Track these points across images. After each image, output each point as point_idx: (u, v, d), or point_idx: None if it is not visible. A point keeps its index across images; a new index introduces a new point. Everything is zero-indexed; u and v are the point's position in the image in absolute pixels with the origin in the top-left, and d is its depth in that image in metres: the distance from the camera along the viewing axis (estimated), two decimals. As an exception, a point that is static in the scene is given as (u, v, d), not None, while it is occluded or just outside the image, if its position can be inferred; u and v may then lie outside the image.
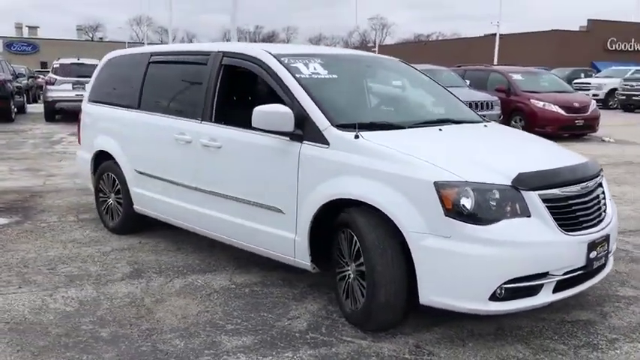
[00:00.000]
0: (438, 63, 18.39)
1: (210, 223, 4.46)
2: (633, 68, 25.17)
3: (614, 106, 23.46)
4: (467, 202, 3.08)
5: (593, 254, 3.36)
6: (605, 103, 23.57)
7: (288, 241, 3.86)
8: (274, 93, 4.11)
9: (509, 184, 3.17)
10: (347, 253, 3.56)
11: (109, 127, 5.50)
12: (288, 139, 3.80)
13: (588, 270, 3.40)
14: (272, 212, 3.94)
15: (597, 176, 3.70)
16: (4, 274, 4.40)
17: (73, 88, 15.49)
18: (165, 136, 4.74)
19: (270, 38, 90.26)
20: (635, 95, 21.94)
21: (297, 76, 3.97)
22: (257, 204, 4.03)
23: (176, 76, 4.95)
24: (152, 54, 5.19)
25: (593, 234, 3.37)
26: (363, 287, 3.39)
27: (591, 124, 13.72)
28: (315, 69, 4.13)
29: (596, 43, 49.81)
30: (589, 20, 51.19)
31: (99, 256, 4.87)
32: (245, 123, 4.20)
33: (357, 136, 3.52)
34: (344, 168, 3.50)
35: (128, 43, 63.30)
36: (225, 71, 4.44)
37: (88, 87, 6.06)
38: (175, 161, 4.69)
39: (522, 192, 3.17)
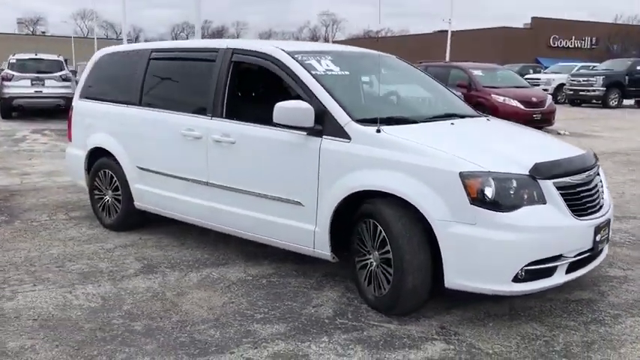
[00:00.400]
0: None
1: (222, 217, 4.54)
2: (579, 64, 26.31)
3: (562, 100, 24.44)
4: (490, 191, 3.30)
5: (598, 237, 3.64)
6: (554, 97, 24.50)
7: (308, 232, 3.99)
8: (288, 89, 4.23)
9: (527, 173, 3.40)
10: (369, 242, 3.72)
11: (106, 124, 5.48)
12: (305, 134, 3.93)
13: (594, 252, 3.69)
14: (291, 205, 4.06)
15: (596, 165, 3.99)
16: (13, 273, 4.36)
17: (32, 85, 15.07)
18: (171, 133, 4.79)
19: (220, 33, 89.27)
20: (581, 90, 22.95)
21: (313, 72, 4.10)
22: (275, 198, 4.14)
23: (181, 73, 4.99)
24: (153, 50, 5.21)
25: (598, 219, 3.66)
26: (388, 274, 3.57)
27: (548, 117, 14.33)
28: (327, 66, 4.27)
29: (540, 39, 51.69)
30: (533, 18, 53.03)
31: (104, 252, 4.87)
32: (258, 118, 4.31)
33: (378, 131, 3.69)
34: (367, 161, 3.66)
35: (74, 37, 61.48)
36: (235, 68, 4.52)
37: (79, 83, 6.00)
38: (183, 157, 4.74)
39: (539, 181, 3.41)
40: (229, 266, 4.55)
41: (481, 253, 3.31)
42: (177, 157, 4.80)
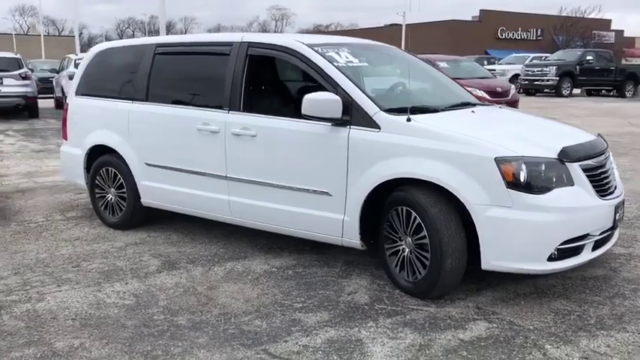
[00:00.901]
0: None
1: (241, 210, 4.54)
2: (532, 55, 27.15)
3: (518, 90, 25.17)
4: (525, 175, 3.44)
5: (617, 216, 3.85)
6: (509, 88, 25.26)
7: (336, 222, 4.05)
8: (309, 82, 4.26)
9: (556, 157, 3.56)
10: (402, 229, 3.81)
11: (108, 121, 5.38)
12: (331, 124, 3.99)
13: (614, 230, 3.89)
14: (317, 196, 4.11)
15: (607, 148, 4.20)
16: (31, 275, 4.26)
17: (-9, 83, 14.51)
18: (184, 128, 4.76)
19: (168, 28, 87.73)
20: (536, 80, 23.74)
21: (335, 64, 4.15)
22: (300, 189, 4.18)
23: (191, 67, 4.96)
24: (158, 45, 5.14)
25: (616, 198, 3.86)
26: (424, 259, 3.67)
27: (513, 107, 14.75)
28: (347, 57, 4.33)
29: (488, 31, 53.01)
30: (481, 10, 54.29)
31: (116, 251, 4.81)
32: (278, 111, 4.34)
33: (409, 119, 3.78)
34: (399, 149, 3.74)
35: (15, 35, 59.19)
36: (251, 61, 4.52)
37: (74, 80, 5.86)
38: (197, 152, 4.71)
39: (566, 164, 3.57)
40: (250, 259, 4.57)
41: (518, 235, 3.45)
42: (190, 152, 4.77)
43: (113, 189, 5.43)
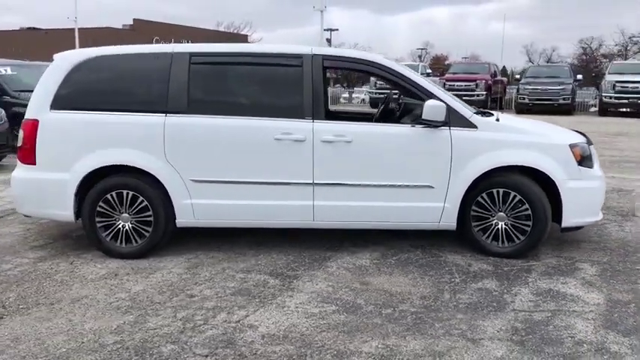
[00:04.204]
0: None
1: (328, 213, 4.79)
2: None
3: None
4: (586, 155, 4.85)
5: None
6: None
7: (436, 209, 4.78)
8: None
9: (587, 142, 5.06)
10: (497, 207, 4.78)
11: (125, 136, 4.76)
12: (430, 127, 4.69)
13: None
14: (420, 189, 4.76)
15: None
16: (153, 312, 3.78)
17: None
18: (256, 138, 4.72)
19: None
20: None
21: (421, 76, 4.86)
22: (402, 185, 4.74)
23: (249, 78, 4.87)
24: (192, 54, 4.81)
25: None
26: (524, 227, 4.73)
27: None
28: (411, 70, 5.04)
29: (142, 40, 53.23)
30: (134, 19, 54.22)
31: (205, 281, 4.36)
32: (369, 118, 4.81)
33: (497, 119, 4.80)
34: (497, 144, 4.72)
35: None
36: (324, 73, 4.82)
37: (41, 93, 4.87)
38: (274, 162, 4.73)
39: (591, 146, 5.11)
40: (359, 255, 4.88)
41: (586, 198, 4.84)
42: (263, 163, 4.74)
43: (127, 214, 4.83)
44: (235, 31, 53.98)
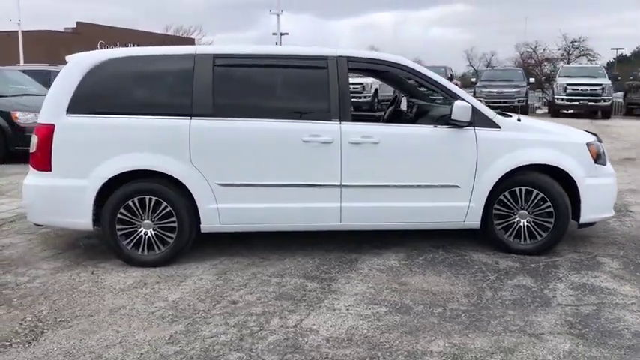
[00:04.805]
0: None
1: (355, 214, 4.78)
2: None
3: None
4: (601, 153, 5.03)
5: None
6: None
7: (461, 209, 4.85)
8: (415, 92, 4.87)
9: (598, 140, 5.26)
10: (519, 205, 4.89)
11: (149, 140, 4.62)
12: (456, 128, 4.75)
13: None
14: (447, 189, 4.82)
15: None
16: (202, 320, 3.69)
17: None
18: (284, 141, 4.67)
19: None
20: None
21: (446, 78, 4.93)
22: (430, 186, 4.79)
23: (275, 80, 4.84)
24: (216, 56, 4.71)
25: None
26: (546, 224, 4.86)
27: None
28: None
29: (87, 44, 51.70)
30: (78, 23, 52.60)
31: (219, 289, 4.25)
32: (394, 119, 4.84)
33: (519, 120, 4.92)
34: (519, 143, 4.83)
35: None
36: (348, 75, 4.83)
37: (56, 96, 4.67)
38: (301, 164, 4.69)
39: (602, 145, 5.31)
40: (384, 256, 4.89)
41: (602, 194, 5.02)
42: (291, 165, 4.69)
43: (149, 221, 4.69)
44: (185, 35, 53.09)
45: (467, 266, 4.68)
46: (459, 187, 4.82)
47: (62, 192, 4.64)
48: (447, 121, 4.80)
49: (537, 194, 4.86)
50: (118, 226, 4.67)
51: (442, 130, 4.78)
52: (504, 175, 4.82)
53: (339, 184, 4.73)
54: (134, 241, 4.69)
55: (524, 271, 4.56)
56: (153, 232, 4.70)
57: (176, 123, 4.63)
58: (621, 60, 53.39)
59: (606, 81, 21.48)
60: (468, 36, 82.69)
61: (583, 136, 5.13)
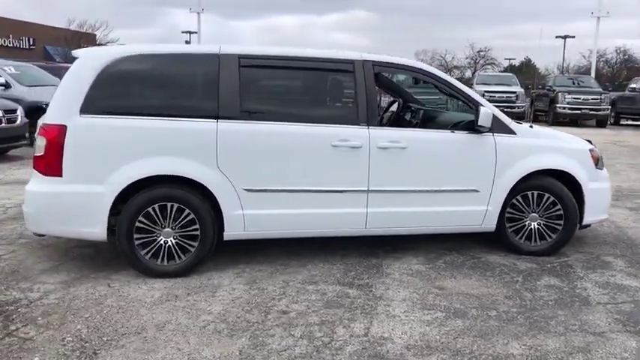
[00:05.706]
0: None
1: (380, 219, 4.75)
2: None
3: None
4: (600, 159, 5.33)
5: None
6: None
7: (479, 213, 4.97)
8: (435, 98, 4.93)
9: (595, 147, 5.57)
10: (530, 208, 5.09)
11: (172, 143, 4.35)
12: (477, 133, 4.86)
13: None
14: (467, 193, 4.91)
15: None
16: (263, 333, 3.55)
17: None
18: (314, 145, 4.56)
19: None
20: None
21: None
22: (451, 190, 4.86)
23: (301, 83, 4.71)
24: (241, 57, 4.50)
25: None
26: (556, 226, 5.08)
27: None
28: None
29: (-20, 37, 48.06)
30: (-34, 13, 48.60)
31: (258, 299, 4.09)
32: (420, 124, 4.88)
33: (531, 126, 5.11)
34: (533, 149, 5.01)
35: None
36: (376, 80, 4.80)
37: (66, 95, 4.29)
38: (330, 169, 4.59)
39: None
40: (406, 261, 4.89)
41: (601, 197, 5.31)
42: (320, 170, 4.58)
43: (169, 229, 4.42)
44: (90, 31, 50.46)
45: (489, 269, 4.79)
46: (478, 191, 4.92)
47: (74, 199, 4.26)
48: (464, 126, 4.91)
49: (548, 197, 5.07)
50: (135, 235, 4.35)
51: (463, 136, 4.87)
52: (520, 179, 4.98)
53: (366, 189, 4.68)
54: (153, 251, 4.40)
55: (545, 272, 4.73)
56: (173, 241, 4.42)
57: (202, 126, 4.39)
58: (512, 69, 57.03)
59: (519, 89, 22.87)
60: (366, 42, 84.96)
61: (584, 142, 5.42)
